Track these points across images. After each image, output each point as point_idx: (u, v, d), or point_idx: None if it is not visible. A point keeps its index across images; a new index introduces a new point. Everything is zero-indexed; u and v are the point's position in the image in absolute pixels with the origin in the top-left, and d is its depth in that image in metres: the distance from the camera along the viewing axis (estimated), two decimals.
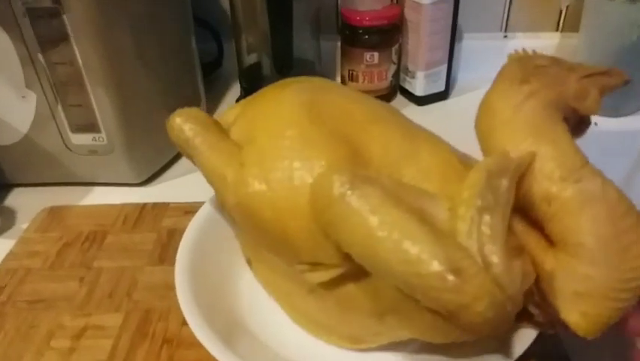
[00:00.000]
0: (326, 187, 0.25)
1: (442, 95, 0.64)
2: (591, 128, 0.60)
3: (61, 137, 0.49)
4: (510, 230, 0.24)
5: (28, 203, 0.49)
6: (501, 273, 0.22)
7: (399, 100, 0.66)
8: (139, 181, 0.52)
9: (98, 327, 0.35)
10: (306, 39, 0.60)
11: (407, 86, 0.65)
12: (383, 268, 0.23)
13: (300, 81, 0.34)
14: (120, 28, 0.45)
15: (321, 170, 0.27)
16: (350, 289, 0.29)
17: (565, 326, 0.24)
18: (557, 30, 0.67)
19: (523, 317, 0.25)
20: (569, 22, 0.65)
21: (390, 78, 0.63)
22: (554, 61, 0.29)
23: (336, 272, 0.28)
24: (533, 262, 0.25)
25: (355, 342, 0.32)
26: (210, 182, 0.32)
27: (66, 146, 0.49)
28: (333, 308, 0.31)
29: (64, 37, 0.43)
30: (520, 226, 0.26)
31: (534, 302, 0.25)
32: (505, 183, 0.24)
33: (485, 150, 0.28)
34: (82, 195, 0.50)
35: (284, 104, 0.31)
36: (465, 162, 0.30)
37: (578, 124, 0.29)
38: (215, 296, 0.34)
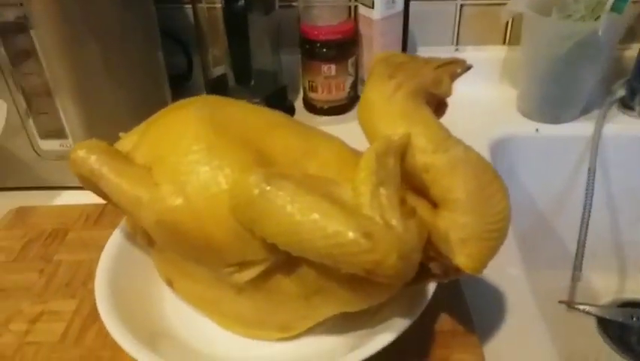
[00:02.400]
0: (245, 188, 0.27)
1: None
2: (534, 134, 0.64)
3: (31, 143, 0.52)
4: (402, 198, 0.28)
5: None
6: (401, 232, 0.25)
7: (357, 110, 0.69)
8: None
9: (53, 312, 0.38)
10: (266, 52, 0.64)
11: None
12: (308, 248, 0.26)
13: (196, 100, 0.36)
14: (85, 41, 0.48)
15: (233, 175, 0.29)
16: (277, 279, 0.32)
17: (458, 271, 0.28)
18: (504, 43, 0.71)
19: (422, 275, 0.28)
20: (514, 36, 0.70)
21: (348, 89, 0.67)
22: (412, 58, 0.34)
23: (264, 266, 0.31)
24: (425, 223, 0.28)
25: (285, 330, 0.35)
26: (122, 206, 0.33)
27: (35, 151, 0.52)
28: (263, 302, 0.34)
29: (31, 51, 0.47)
30: (410, 196, 0.30)
31: (429, 257, 0.29)
32: (391, 160, 0.28)
33: (370, 137, 0.32)
34: (50, 198, 0.53)
35: (186, 122, 0.33)
36: (355, 152, 0.33)
37: (438, 106, 0.33)
38: (137, 310, 0.35)
